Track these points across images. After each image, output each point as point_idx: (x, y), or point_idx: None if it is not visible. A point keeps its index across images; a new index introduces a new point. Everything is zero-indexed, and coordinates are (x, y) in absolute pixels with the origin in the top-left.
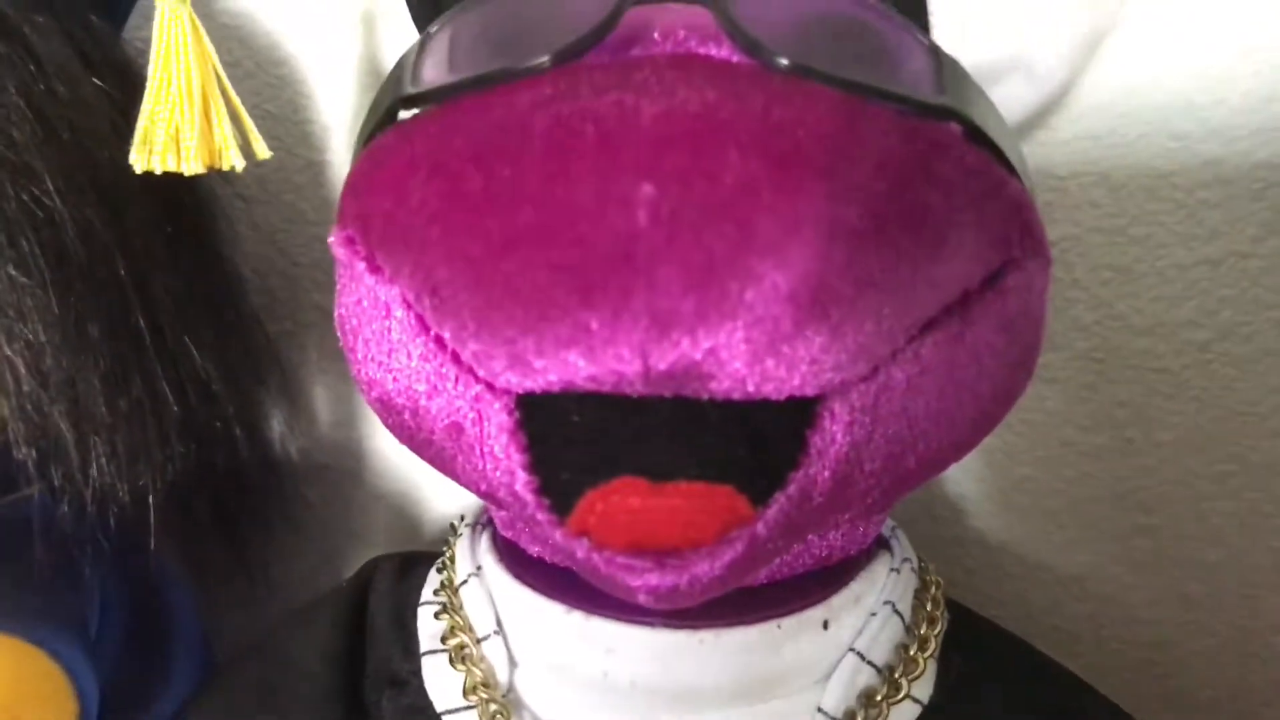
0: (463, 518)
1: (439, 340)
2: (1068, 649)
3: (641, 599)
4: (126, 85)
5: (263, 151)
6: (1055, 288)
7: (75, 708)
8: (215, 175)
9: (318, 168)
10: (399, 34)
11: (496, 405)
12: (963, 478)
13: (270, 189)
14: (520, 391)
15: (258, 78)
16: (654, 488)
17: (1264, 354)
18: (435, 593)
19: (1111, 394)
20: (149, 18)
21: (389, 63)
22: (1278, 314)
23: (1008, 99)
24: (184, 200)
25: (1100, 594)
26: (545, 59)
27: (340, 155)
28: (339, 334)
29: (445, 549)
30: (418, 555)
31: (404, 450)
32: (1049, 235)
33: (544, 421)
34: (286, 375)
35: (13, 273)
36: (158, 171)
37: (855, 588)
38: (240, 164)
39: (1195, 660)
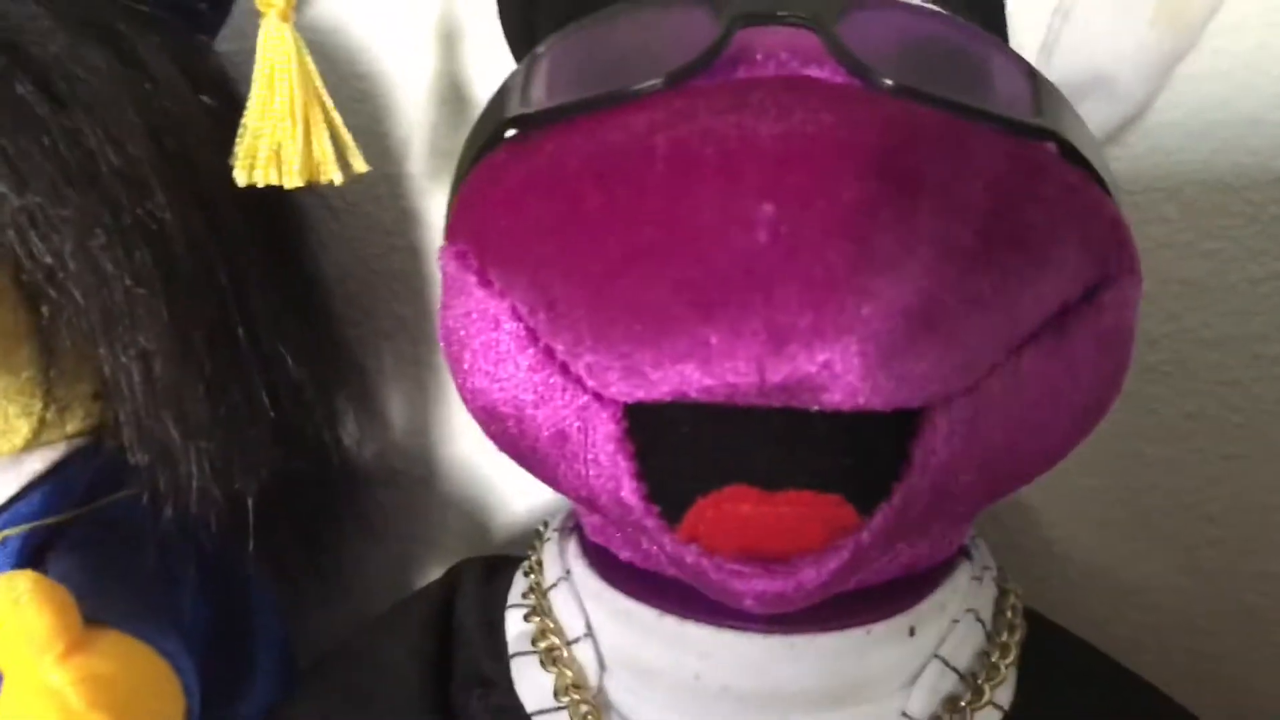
0: (547, 523)
1: (548, 351)
2: (1131, 658)
3: (748, 604)
4: (224, 98)
5: (360, 165)
6: None
7: (184, 704)
8: (303, 188)
9: (395, 180)
10: (477, 51)
11: (604, 415)
12: (1030, 488)
13: (350, 199)
14: (629, 401)
15: (340, 92)
16: (764, 496)
17: None
18: (523, 596)
19: (1180, 406)
20: (236, 30)
21: (468, 79)
22: None
23: (1089, 117)
24: (278, 211)
25: (1164, 605)
26: (659, 81)
27: (417, 168)
28: (444, 346)
29: (530, 553)
30: (502, 559)
31: (475, 457)
32: None
33: (652, 431)
34: (363, 381)
35: (129, 284)
36: (260, 185)
37: (940, 595)
38: (340, 179)
39: (1257, 672)
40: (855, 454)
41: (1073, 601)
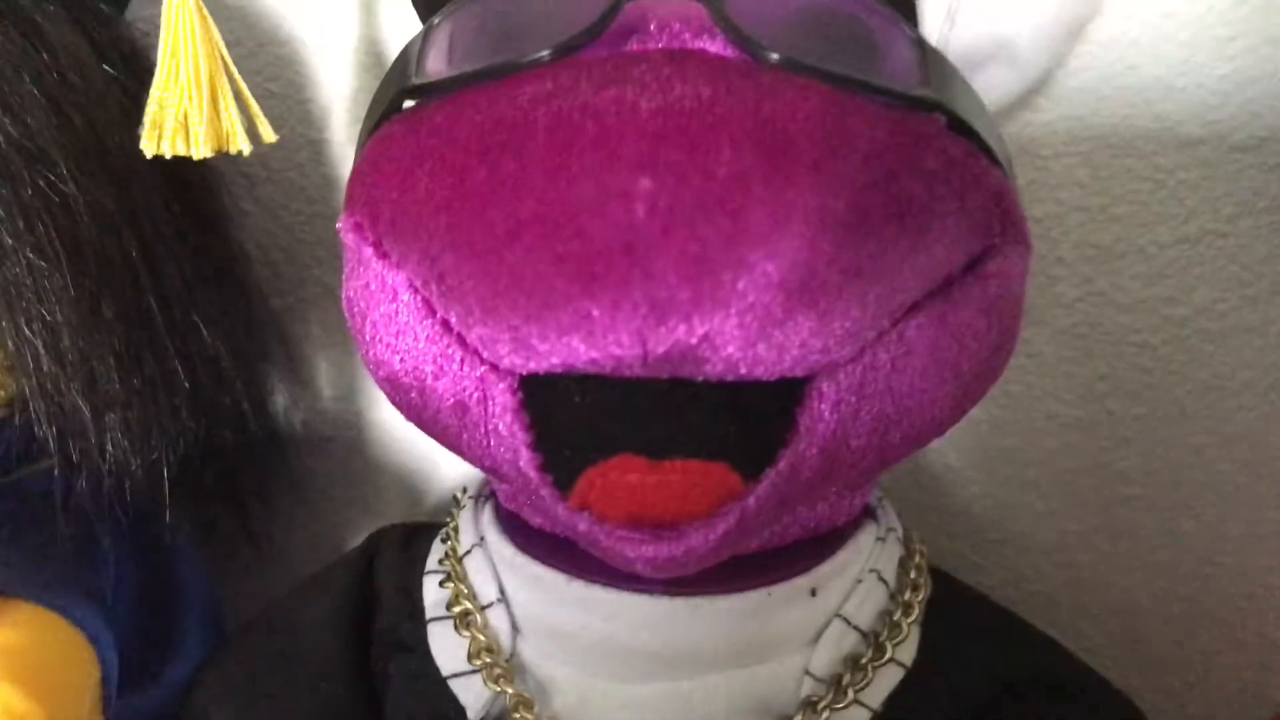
0: (465, 490)
1: (445, 323)
2: (1048, 615)
3: (639, 569)
4: (133, 69)
5: (269, 135)
6: (1039, 265)
7: (98, 673)
8: (220, 157)
9: (318, 146)
10: (398, 16)
11: (501, 386)
12: (947, 449)
13: (272, 167)
14: (524, 373)
15: (259, 57)
16: (651, 465)
17: (1239, 330)
18: (440, 562)
19: (1093, 368)
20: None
21: (388, 44)
22: (1252, 291)
23: (990, 84)
24: (191, 180)
25: (1080, 562)
26: (546, 53)
27: (340, 134)
28: (347, 316)
29: (448, 520)
30: (421, 526)
31: (405, 423)
32: (1033, 213)
33: (546, 401)
34: (290, 349)
35: (31, 256)
36: (167, 156)
37: (842, 557)
38: (248, 148)
39: (1167, 627)
40: (741, 422)
41: (993, 561)
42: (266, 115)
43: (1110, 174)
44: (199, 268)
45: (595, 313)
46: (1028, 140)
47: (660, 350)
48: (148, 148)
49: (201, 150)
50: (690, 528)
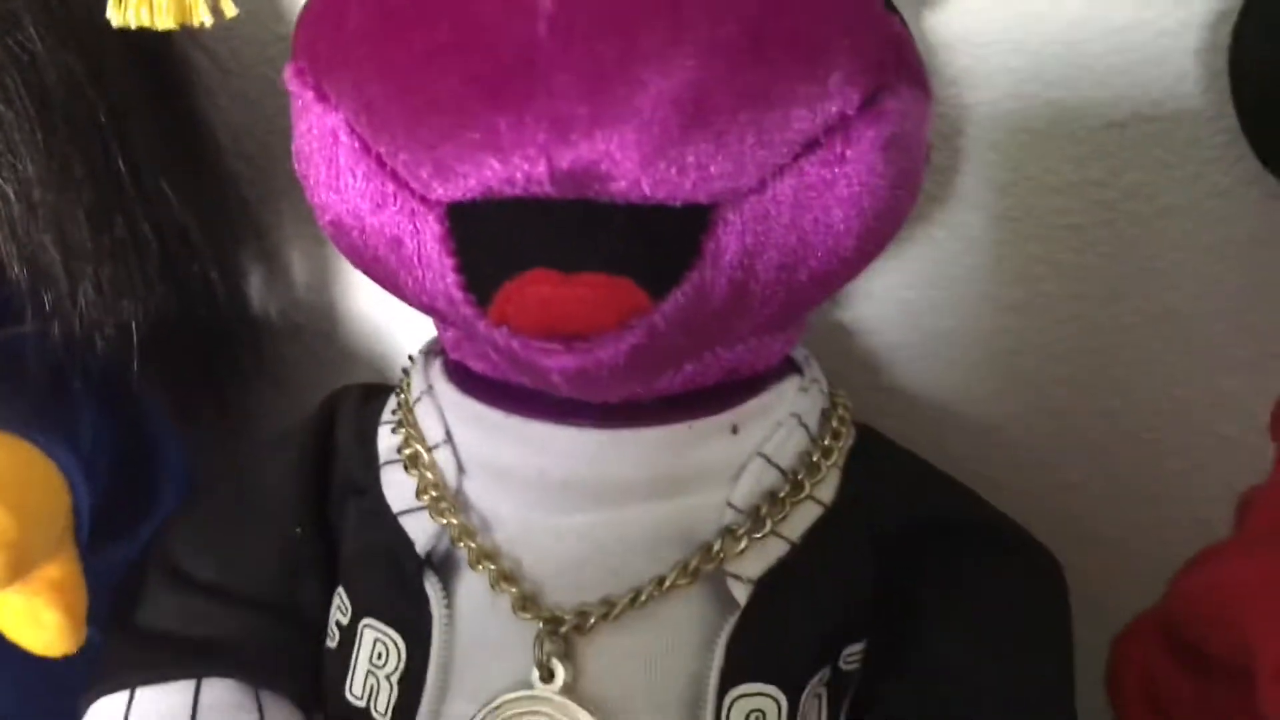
0: (420, 350)
1: (379, 160)
2: (989, 494)
3: (555, 380)
4: None
5: (230, 10)
6: (974, 149)
7: (69, 501)
8: (193, 45)
9: (287, 41)
10: None
11: (430, 217)
12: (886, 329)
13: (245, 61)
14: (448, 201)
15: None
16: (563, 278)
17: (1165, 212)
18: (393, 412)
19: (1028, 251)
20: None
21: None
22: (1178, 173)
23: None
24: (161, 56)
25: (1020, 442)
26: None
27: None
28: (296, 165)
29: (403, 377)
30: (379, 386)
31: (375, 310)
32: (967, 101)
33: (468, 227)
34: (264, 239)
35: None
36: (132, 26)
37: (764, 399)
38: (209, 20)
39: (1102, 504)
40: (648, 243)
41: (936, 440)
42: (237, 7)
43: (1042, 60)
44: (170, 143)
45: (502, 127)
46: (961, 27)
47: (564, 165)
48: (113, 17)
49: (164, 20)
50: (600, 340)
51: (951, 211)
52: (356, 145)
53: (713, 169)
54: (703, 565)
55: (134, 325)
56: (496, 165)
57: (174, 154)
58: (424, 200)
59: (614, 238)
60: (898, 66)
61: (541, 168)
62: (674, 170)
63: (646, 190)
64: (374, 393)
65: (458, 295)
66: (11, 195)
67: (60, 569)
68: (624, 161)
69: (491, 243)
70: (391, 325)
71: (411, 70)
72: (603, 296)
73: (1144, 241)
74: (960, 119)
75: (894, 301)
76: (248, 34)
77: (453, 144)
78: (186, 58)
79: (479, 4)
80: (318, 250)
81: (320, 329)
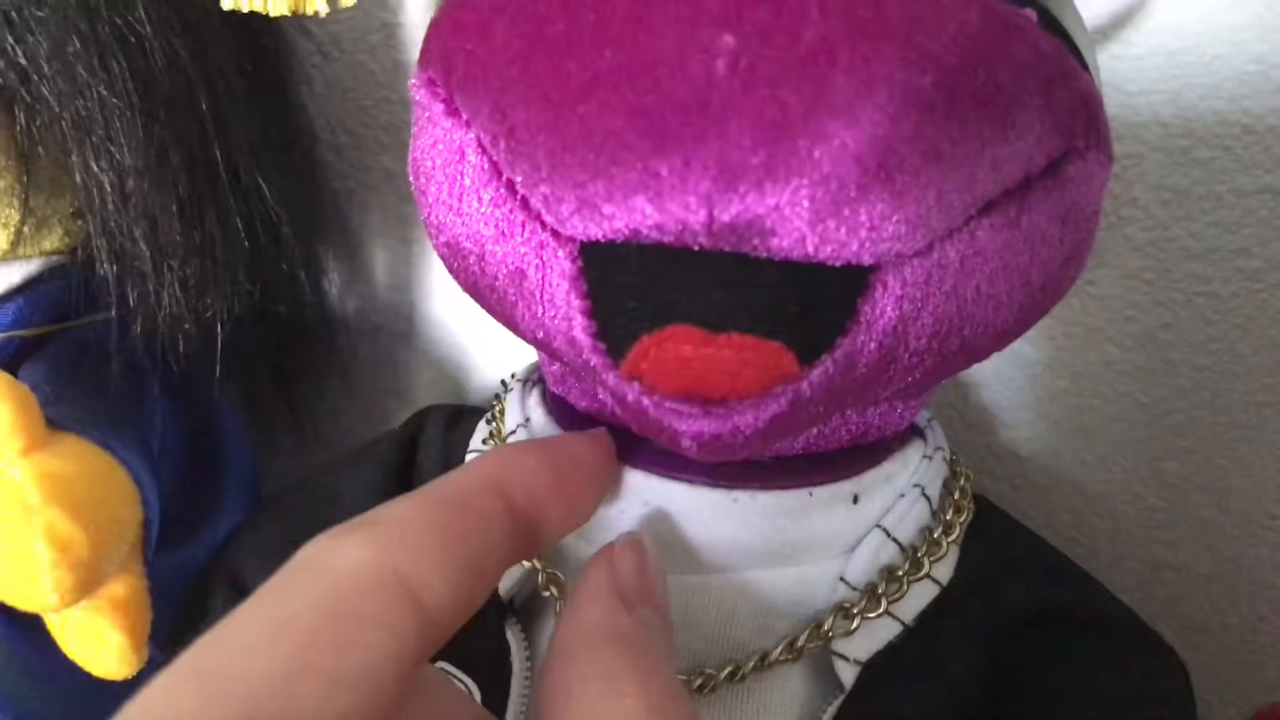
0: (513, 375)
1: (510, 186)
2: (1087, 563)
3: (685, 444)
4: None
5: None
6: (1112, 205)
7: (141, 514)
8: (295, 28)
9: (391, 30)
10: None
11: (560, 253)
12: (1000, 386)
13: (345, 47)
14: (584, 239)
15: None
16: (707, 337)
17: None
18: (484, 442)
19: (1157, 315)
20: None
21: None
22: None
23: (1083, 5)
24: (265, 45)
25: (1122, 512)
26: None
27: (413, 18)
28: (411, 178)
29: (494, 403)
30: (468, 409)
31: (453, 316)
32: (1114, 151)
33: (605, 269)
34: (348, 234)
35: (103, 93)
36: (244, 10)
37: (887, 468)
38: (324, 9)
39: (1209, 585)
40: (802, 304)
41: (1035, 503)
42: None
43: (1197, 115)
44: (267, 133)
45: (664, 172)
46: (1115, 75)
47: (726, 217)
48: (225, 1)
49: (278, 6)
50: (740, 406)
51: None
52: (486, 167)
53: (886, 230)
54: (809, 643)
55: (219, 324)
56: (650, 211)
57: (270, 145)
58: (556, 235)
59: (766, 296)
60: (1087, 129)
61: (701, 217)
62: (844, 230)
63: (810, 249)
64: (461, 416)
65: (585, 341)
66: (108, 185)
67: (126, 586)
68: (792, 218)
69: (630, 290)
70: (469, 332)
71: (566, 99)
72: (750, 360)
73: None
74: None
75: (1009, 356)
76: (350, 19)
77: (604, 182)
78: (288, 42)
79: (651, 34)
80: (401, 250)
81: (397, 330)
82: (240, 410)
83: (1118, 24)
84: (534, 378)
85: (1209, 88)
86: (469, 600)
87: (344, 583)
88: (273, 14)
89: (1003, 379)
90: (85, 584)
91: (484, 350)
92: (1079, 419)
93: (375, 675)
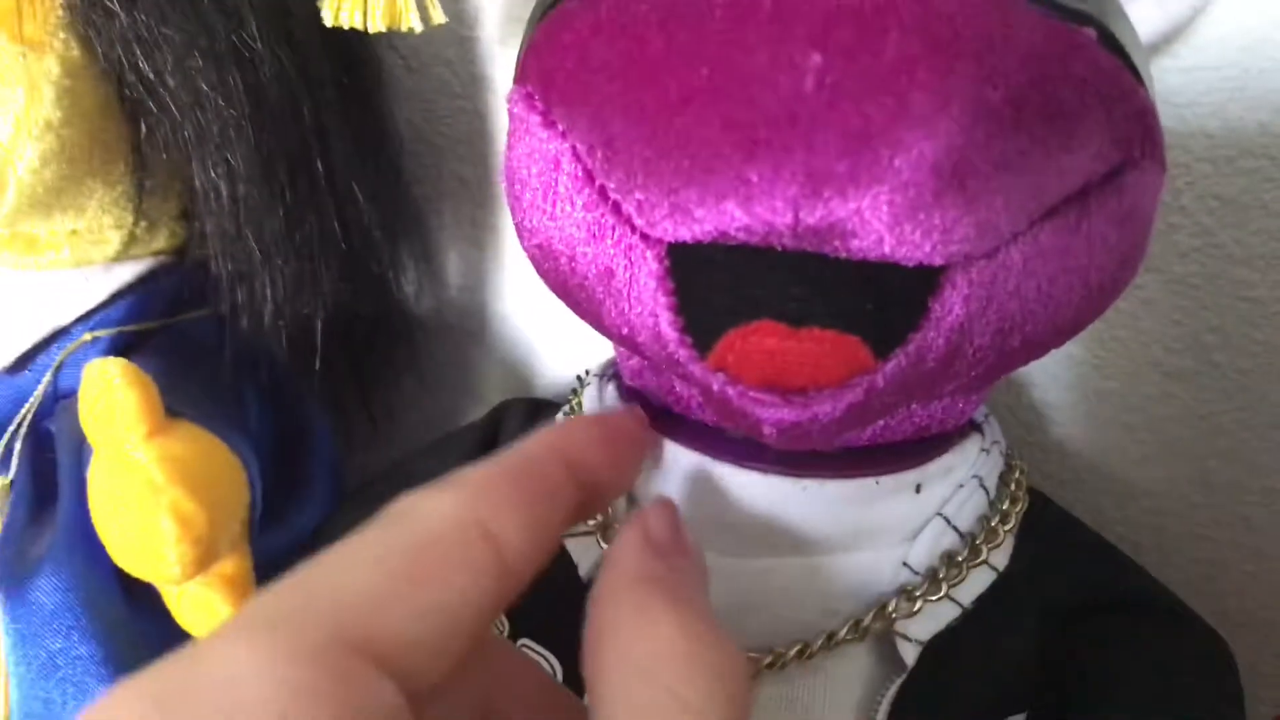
0: (588, 371)
1: (602, 192)
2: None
3: (766, 431)
4: None
5: (439, 17)
6: (1160, 212)
7: (247, 496)
8: (383, 43)
9: (468, 43)
10: None
11: (649, 254)
12: (1050, 385)
13: (424, 59)
14: (672, 240)
15: None
16: (789, 331)
17: None
18: None
19: (1203, 319)
20: None
21: None
22: None
23: (1137, 21)
24: (360, 58)
25: (1169, 509)
26: None
27: (489, 32)
28: (505, 185)
29: (571, 396)
30: (546, 402)
31: (523, 316)
32: None
33: (691, 269)
34: (425, 237)
35: (221, 104)
36: (345, 26)
37: (947, 459)
38: (419, 26)
39: (1251, 582)
40: (877, 301)
41: (1082, 499)
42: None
43: (1241, 126)
44: (360, 140)
45: (754, 178)
46: (1163, 87)
47: (811, 220)
48: (327, 18)
49: (376, 23)
50: (819, 395)
51: None
52: (580, 174)
53: (957, 233)
54: (874, 624)
55: (318, 321)
56: (739, 214)
57: (362, 152)
58: (644, 237)
59: (844, 294)
60: (1144, 140)
61: (788, 219)
62: (919, 233)
63: (887, 250)
64: (541, 409)
65: (672, 335)
66: (223, 189)
67: (235, 564)
68: (872, 221)
69: (716, 287)
70: (538, 331)
71: (663, 111)
72: (829, 353)
73: None
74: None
75: (1059, 357)
76: (428, 33)
77: (697, 188)
78: (377, 56)
79: (743, 53)
80: (473, 253)
81: (470, 329)
82: (322, 401)
83: (1169, 39)
84: (610, 373)
85: (1254, 100)
86: (542, 553)
87: (433, 526)
88: (371, 30)
89: (1053, 378)
90: (204, 558)
91: (553, 349)
92: (1126, 418)
93: (456, 611)
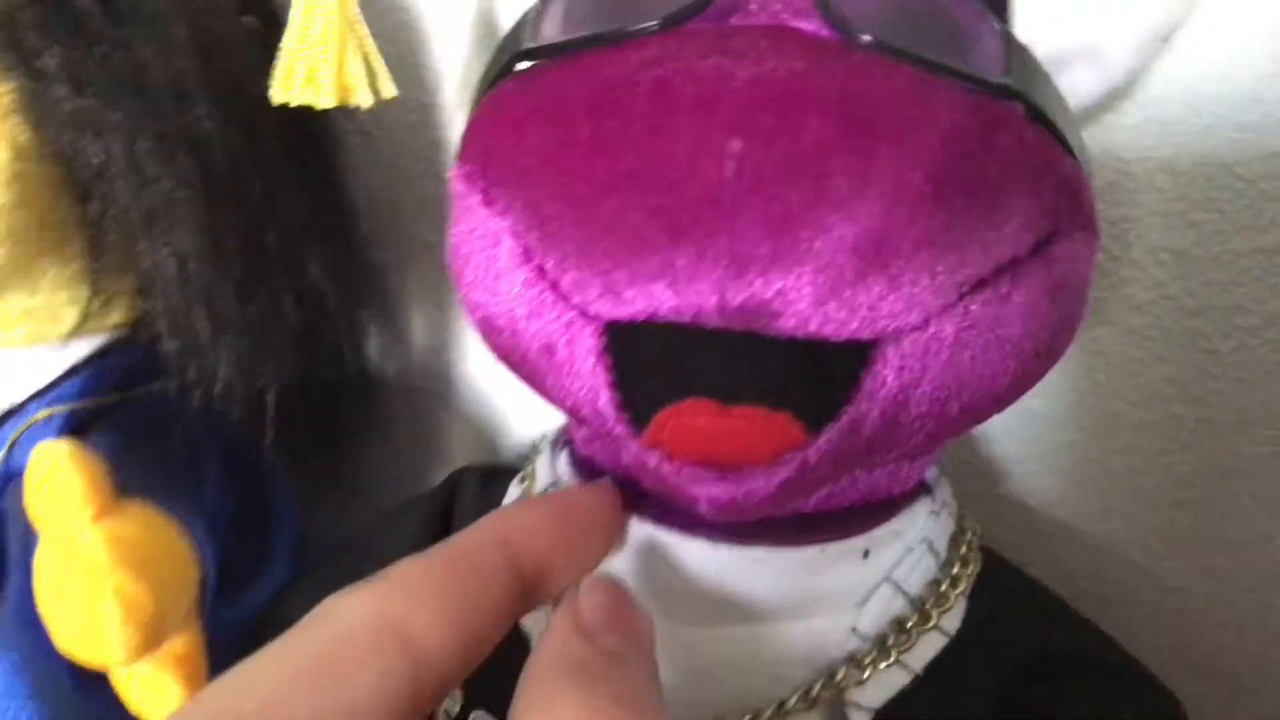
0: (545, 436)
1: (540, 269)
2: (1097, 612)
3: (703, 508)
4: (270, 23)
5: (389, 90)
6: (1113, 266)
7: (198, 575)
8: (340, 112)
9: (427, 109)
10: None
11: (587, 330)
12: (1009, 440)
13: (384, 126)
14: (609, 319)
15: (382, 21)
16: (721, 409)
17: None
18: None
19: (1160, 371)
20: None
21: (500, 16)
22: None
23: (1075, 84)
24: (314, 131)
25: (1133, 561)
26: (655, 23)
27: (449, 99)
28: (450, 260)
29: (527, 464)
30: (501, 468)
31: (488, 377)
32: (1110, 215)
33: (628, 346)
34: (387, 300)
35: (169, 186)
36: (294, 105)
37: (896, 524)
38: (369, 101)
39: (1218, 632)
40: (808, 377)
41: (1044, 554)
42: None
43: (1190, 181)
44: (314, 213)
45: (680, 262)
46: (1111, 143)
47: (737, 301)
48: (277, 95)
49: (327, 101)
50: (753, 471)
51: (1084, 325)
52: (519, 251)
53: (883, 310)
54: (823, 691)
55: (269, 395)
56: (667, 296)
57: (317, 224)
58: (583, 314)
59: (775, 370)
60: (1071, 211)
61: (714, 301)
62: (844, 311)
63: (813, 328)
64: (494, 476)
65: (610, 411)
66: (171, 268)
67: (185, 642)
68: (796, 301)
69: (650, 365)
70: (503, 392)
71: (592, 196)
72: (760, 430)
73: None
74: (1101, 234)
75: (1018, 411)
76: (387, 99)
77: (626, 271)
78: (333, 127)
79: (668, 140)
80: (437, 315)
81: (435, 390)
82: (286, 470)
83: (1110, 99)
84: (563, 439)
85: (1202, 155)
86: (471, 648)
87: (345, 628)
88: (321, 107)
89: (1012, 433)
90: (151, 641)
91: (518, 409)
92: (1087, 470)
93: (361, 713)
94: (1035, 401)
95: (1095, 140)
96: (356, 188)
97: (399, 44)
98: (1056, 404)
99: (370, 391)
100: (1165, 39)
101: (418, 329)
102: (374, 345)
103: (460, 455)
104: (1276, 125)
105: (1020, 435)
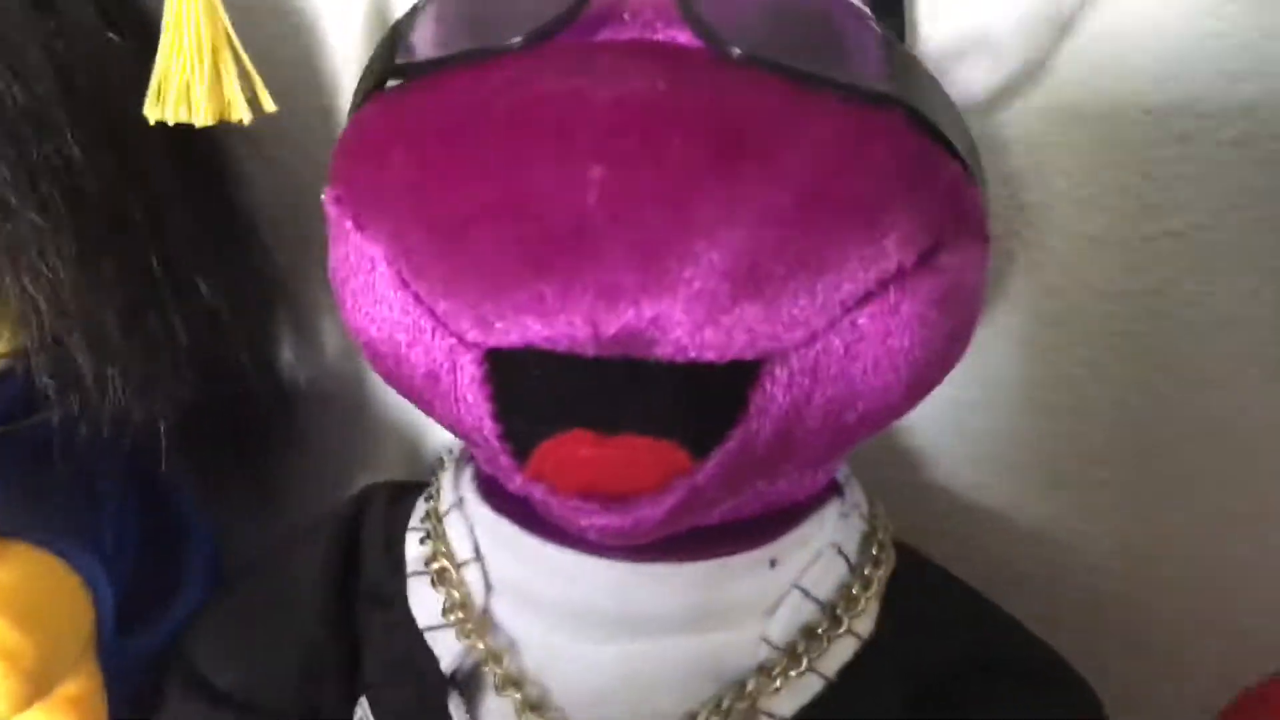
0: (450, 451)
1: (417, 296)
2: (1026, 596)
3: (592, 537)
4: (143, 37)
5: (269, 105)
6: (1027, 252)
7: (92, 615)
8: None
9: (325, 113)
10: None
11: (467, 357)
12: (929, 429)
13: (281, 130)
14: (488, 347)
15: (273, 26)
16: (601, 439)
17: (1221, 323)
18: (422, 520)
19: (1074, 355)
20: None
21: (396, 13)
22: (1237, 285)
23: (972, 75)
24: (197, 145)
25: (1058, 543)
26: (518, 40)
27: (346, 101)
28: (332, 285)
29: (433, 480)
30: (408, 485)
31: None
32: (1022, 201)
33: (509, 374)
34: (295, 307)
35: (34, 216)
36: (170, 123)
37: (803, 530)
38: (248, 118)
39: (1137, 609)
40: (691, 401)
41: (969, 541)
42: (275, 82)
43: (1098, 165)
44: (202, 228)
45: (548, 294)
46: (1019, 130)
47: (610, 332)
48: (151, 114)
49: (203, 118)
50: (639, 500)
51: (999, 312)
52: (394, 277)
53: (763, 330)
54: (735, 703)
55: (161, 421)
56: (540, 326)
57: (206, 237)
58: (462, 340)
59: (657, 398)
60: (955, 220)
61: (586, 333)
62: (722, 335)
63: (692, 354)
64: (402, 493)
65: (495, 443)
66: (44, 304)
67: (80, 685)
68: (672, 329)
69: (530, 395)
70: None
71: (455, 227)
72: (643, 459)
73: (1197, 353)
74: (1013, 220)
75: (936, 399)
76: (284, 104)
77: (493, 303)
78: (224, 136)
79: (527, 169)
80: None
81: (351, 397)
82: (203, 486)
83: (1010, 89)
84: (467, 455)
85: (1107, 139)
86: None
87: None
88: (199, 125)
89: (931, 421)
90: (34, 691)
91: None
92: (1008, 456)
93: None
94: (952, 389)
95: (1003, 126)
96: (253, 194)
97: (294, 47)
98: (974, 391)
99: (284, 402)
100: (1063, 27)
101: (329, 333)
102: (284, 352)
103: (382, 461)
104: (1180, 107)
105: (940, 424)
